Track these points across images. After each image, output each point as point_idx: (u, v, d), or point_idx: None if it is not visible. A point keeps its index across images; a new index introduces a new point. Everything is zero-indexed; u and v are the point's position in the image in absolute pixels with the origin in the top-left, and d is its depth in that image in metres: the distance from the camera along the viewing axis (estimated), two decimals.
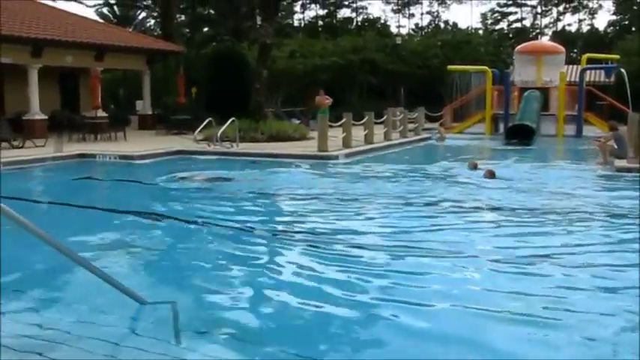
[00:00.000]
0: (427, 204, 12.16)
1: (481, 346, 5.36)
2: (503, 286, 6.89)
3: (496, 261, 7.82)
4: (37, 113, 25.85)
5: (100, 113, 27.41)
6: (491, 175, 15.45)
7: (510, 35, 67.50)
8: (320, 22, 72.31)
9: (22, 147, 21.43)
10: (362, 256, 8.14)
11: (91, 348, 5.21)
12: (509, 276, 7.30)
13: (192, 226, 10.23)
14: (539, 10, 71.87)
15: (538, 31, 70.79)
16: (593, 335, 5.48)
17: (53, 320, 5.88)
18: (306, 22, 73.53)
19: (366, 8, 76.45)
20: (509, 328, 5.76)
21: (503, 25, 72.59)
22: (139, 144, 22.73)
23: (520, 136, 25.93)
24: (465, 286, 6.95)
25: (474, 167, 16.47)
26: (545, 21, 72.82)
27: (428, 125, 31.54)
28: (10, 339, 5.17)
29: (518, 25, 71.86)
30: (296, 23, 72.15)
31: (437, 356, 5.22)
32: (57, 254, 5.46)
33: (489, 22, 73.01)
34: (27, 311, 6.14)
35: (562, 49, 32.98)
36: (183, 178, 15.71)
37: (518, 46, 34.53)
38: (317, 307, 6.30)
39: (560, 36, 59.80)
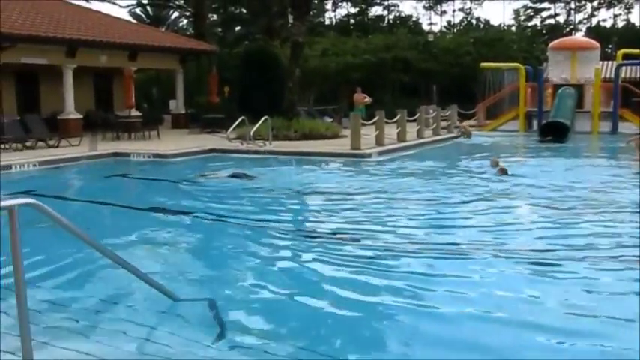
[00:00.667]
0: (461, 202, 12.08)
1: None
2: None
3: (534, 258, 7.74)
4: (72, 113, 26.13)
5: (134, 112, 27.65)
6: (502, 172, 15.43)
7: (544, 32, 66.85)
8: (351, 21, 72.27)
9: (57, 146, 21.67)
10: (397, 256, 8.11)
11: (122, 344, 5.25)
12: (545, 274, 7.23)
13: (223, 224, 10.29)
14: (572, 5, 71.22)
15: (572, 27, 70.12)
16: None
17: (86, 315, 5.94)
18: (338, 20, 73.52)
19: (398, 6, 76.38)
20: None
21: (537, 21, 72.06)
22: (172, 143, 22.87)
23: (554, 133, 25.65)
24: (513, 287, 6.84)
25: (496, 166, 16.15)
26: (579, 17, 72.19)
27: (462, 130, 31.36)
28: (42, 334, 5.21)
29: (552, 21, 71.25)
30: (327, 22, 72.17)
31: None
32: (91, 251, 5.50)
33: (522, 18, 72.47)
34: (61, 306, 6.20)
35: (596, 44, 32.56)
36: (207, 176, 15.84)
37: (552, 43, 34.18)
38: (352, 304, 6.29)
39: (595, 32, 59.22)
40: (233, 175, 15.58)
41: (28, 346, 4.34)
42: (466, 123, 29.76)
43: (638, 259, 7.50)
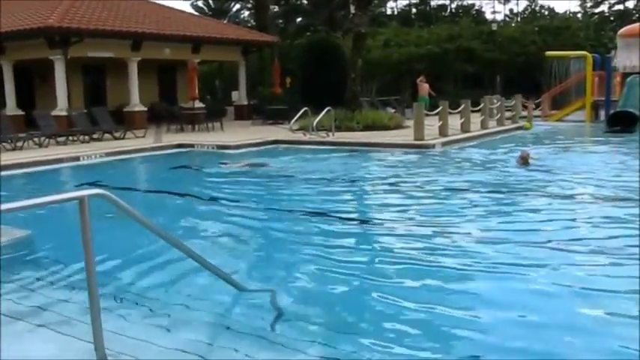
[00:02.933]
0: (521, 193, 11.86)
1: None
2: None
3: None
4: (137, 105, 26.54)
5: (197, 104, 27.93)
6: (524, 161, 15.14)
7: (612, 18, 65.15)
8: (413, 10, 71.65)
9: (123, 138, 22.03)
10: (465, 247, 8.00)
11: (189, 332, 5.27)
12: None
13: (287, 214, 10.30)
14: None
15: None
16: None
17: (154, 304, 5.98)
18: (399, 10, 73.00)
19: None
20: None
21: (604, 7, 70.15)
22: (236, 134, 23.03)
23: (622, 123, 25.01)
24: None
25: (525, 162, 15.34)
26: None
27: (525, 113, 30.80)
28: (111, 320, 5.26)
29: (620, 7, 69.30)
30: (389, 12, 71.67)
31: None
32: (159, 241, 5.53)
33: (589, 5, 70.74)
34: (129, 295, 6.26)
35: None
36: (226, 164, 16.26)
37: (621, 30, 33.23)
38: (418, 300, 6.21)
39: None
40: (250, 165, 16.13)
41: (100, 334, 4.38)
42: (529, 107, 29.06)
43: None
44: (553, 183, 12.76)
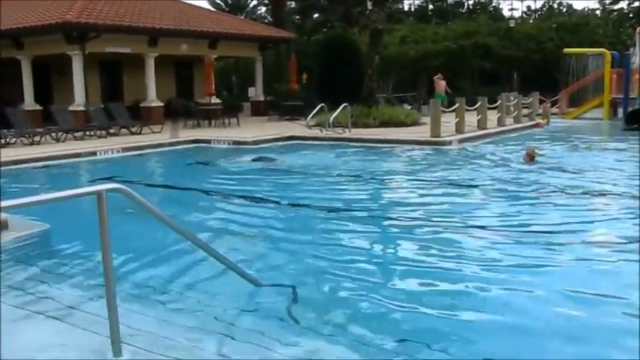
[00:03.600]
0: (535, 190, 11.83)
1: None
2: None
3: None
4: (153, 100, 26.60)
5: (214, 100, 27.96)
6: (530, 159, 15.12)
7: (631, 15, 64.57)
8: (430, 7, 71.37)
9: (140, 133, 22.10)
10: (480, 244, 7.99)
11: (205, 327, 5.28)
12: None
13: (299, 210, 10.33)
14: None
15: None
16: None
17: (170, 298, 6.01)
18: (416, 6, 72.72)
19: None
20: None
21: (623, 4, 69.53)
22: (252, 130, 23.05)
23: None
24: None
25: (532, 158, 15.30)
26: None
27: (541, 110, 30.66)
28: (127, 314, 5.28)
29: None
30: (406, 8, 71.40)
31: None
32: (175, 235, 5.54)
33: (608, 2, 70.22)
34: (146, 289, 6.30)
35: None
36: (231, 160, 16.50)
37: None
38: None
39: None
40: (256, 159, 16.31)
41: (116, 328, 4.40)
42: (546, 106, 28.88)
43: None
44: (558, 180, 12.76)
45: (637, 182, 12.13)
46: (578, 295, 6.05)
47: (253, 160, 16.36)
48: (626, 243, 7.82)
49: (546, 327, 5.37)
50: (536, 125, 15.03)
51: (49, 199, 4.34)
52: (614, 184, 12.30)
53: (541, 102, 29.34)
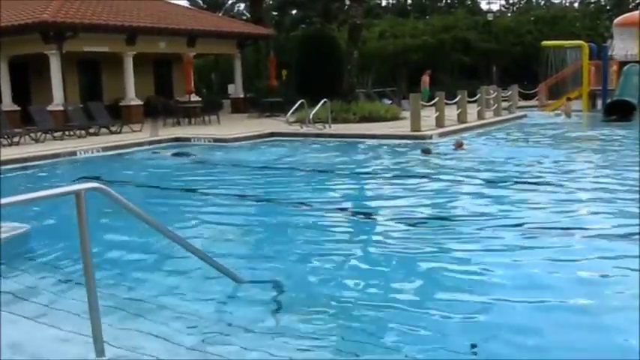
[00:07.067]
0: (527, 182, 11.91)
1: None
2: None
3: None
4: (133, 99, 26.50)
5: (194, 98, 27.88)
6: (459, 146, 16.65)
7: (608, 7, 64.92)
8: (409, 1, 71.42)
9: (119, 132, 22.01)
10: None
11: (187, 327, 5.27)
12: None
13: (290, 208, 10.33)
14: None
15: (638, 1, 68.06)
16: None
17: (152, 298, 5.98)
18: (395, 1, 72.78)
19: None
20: None
21: None
22: (233, 127, 23.02)
23: (620, 112, 24.98)
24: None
25: (460, 147, 16.80)
26: None
27: (522, 103, 30.79)
28: (109, 314, 5.26)
29: None
30: (384, 3, 71.40)
31: None
32: (155, 234, 5.53)
33: None
34: (125, 287, 6.29)
35: None
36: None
37: (617, 19, 33.16)
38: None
39: None
40: (176, 154, 17.09)
41: (98, 329, 4.38)
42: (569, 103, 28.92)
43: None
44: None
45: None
46: None
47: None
48: None
49: None
50: (459, 146, 15.99)
51: (28, 199, 4.32)
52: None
53: (568, 99, 29.34)
